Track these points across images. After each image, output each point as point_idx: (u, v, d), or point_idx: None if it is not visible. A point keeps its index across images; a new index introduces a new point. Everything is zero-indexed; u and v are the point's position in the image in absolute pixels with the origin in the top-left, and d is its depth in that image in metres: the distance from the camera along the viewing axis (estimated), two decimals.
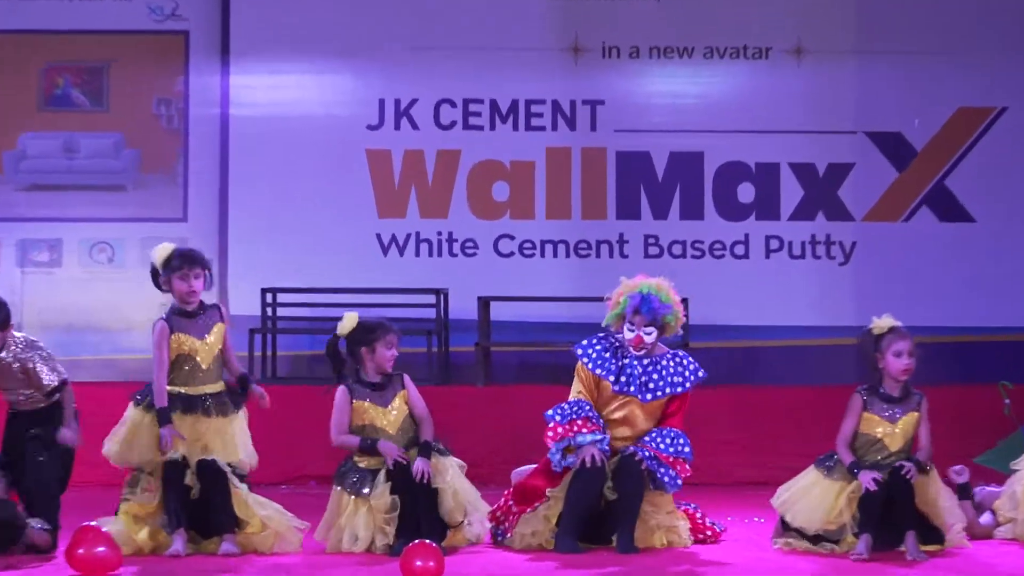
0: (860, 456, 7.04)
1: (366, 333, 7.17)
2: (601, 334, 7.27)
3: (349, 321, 7.21)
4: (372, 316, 7.35)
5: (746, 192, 11.10)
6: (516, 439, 9.02)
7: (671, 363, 7.21)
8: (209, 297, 7.34)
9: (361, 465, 7.10)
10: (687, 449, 7.11)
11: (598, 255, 11.04)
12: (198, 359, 7.03)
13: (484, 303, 10.49)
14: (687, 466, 7.12)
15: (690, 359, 7.27)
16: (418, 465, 6.99)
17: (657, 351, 7.23)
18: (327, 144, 11.07)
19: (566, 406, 7.13)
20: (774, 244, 11.07)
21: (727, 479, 9.52)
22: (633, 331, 7.13)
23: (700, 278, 10.74)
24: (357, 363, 7.19)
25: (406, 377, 7.27)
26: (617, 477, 7.02)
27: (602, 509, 7.07)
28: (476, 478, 7.38)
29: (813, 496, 7.06)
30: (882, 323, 7.13)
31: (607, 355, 7.18)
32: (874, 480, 6.87)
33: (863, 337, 7.16)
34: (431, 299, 10.55)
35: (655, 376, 7.15)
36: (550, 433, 7.08)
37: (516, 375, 10.80)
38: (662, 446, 7.08)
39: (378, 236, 11.07)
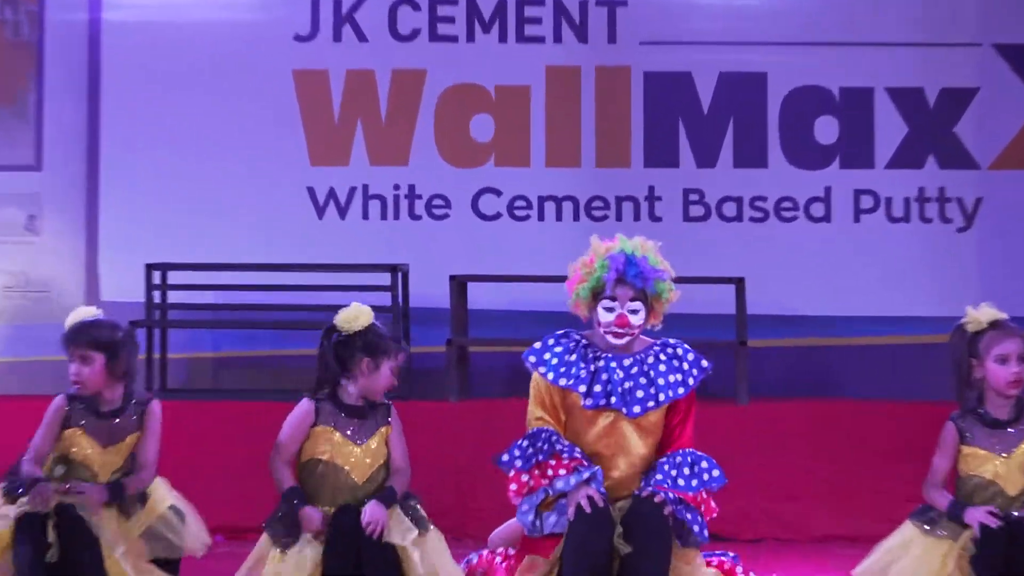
0: None
1: (379, 340, 7.20)
2: (559, 332, 7.21)
3: (361, 315, 7.21)
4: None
5: (827, 129, 11.12)
6: (502, 475, 8.86)
7: (662, 356, 7.14)
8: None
9: None
10: (716, 473, 7.04)
11: (619, 217, 11.02)
12: (95, 470, 7.26)
13: (459, 285, 10.51)
14: (711, 501, 7.07)
15: (685, 347, 7.20)
16: (371, 512, 6.96)
17: (638, 345, 7.16)
18: (239, 62, 11.10)
19: (525, 443, 7.04)
20: (866, 202, 11.07)
21: (798, 532, 9.63)
22: (614, 309, 7.01)
23: (762, 249, 10.87)
24: (344, 374, 7.20)
25: (394, 410, 7.32)
26: (630, 530, 6.87)
27: (613, 572, 6.95)
28: (446, 530, 7.35)
29: (910, 559, 7.05)
30: (979, 315, 7.15)
31: (572, 358, 7.11)
32: (991, 514, 6.89)
33: (952, 337, 7.20)
34: (385, 279, 10.54)
35: (642, 380, 7.07)
36: (513, 486, 7.02)
37: (503, 384, 10.67)
38: (681, 481, 6.98)
39: (311, 191, 11.11)
